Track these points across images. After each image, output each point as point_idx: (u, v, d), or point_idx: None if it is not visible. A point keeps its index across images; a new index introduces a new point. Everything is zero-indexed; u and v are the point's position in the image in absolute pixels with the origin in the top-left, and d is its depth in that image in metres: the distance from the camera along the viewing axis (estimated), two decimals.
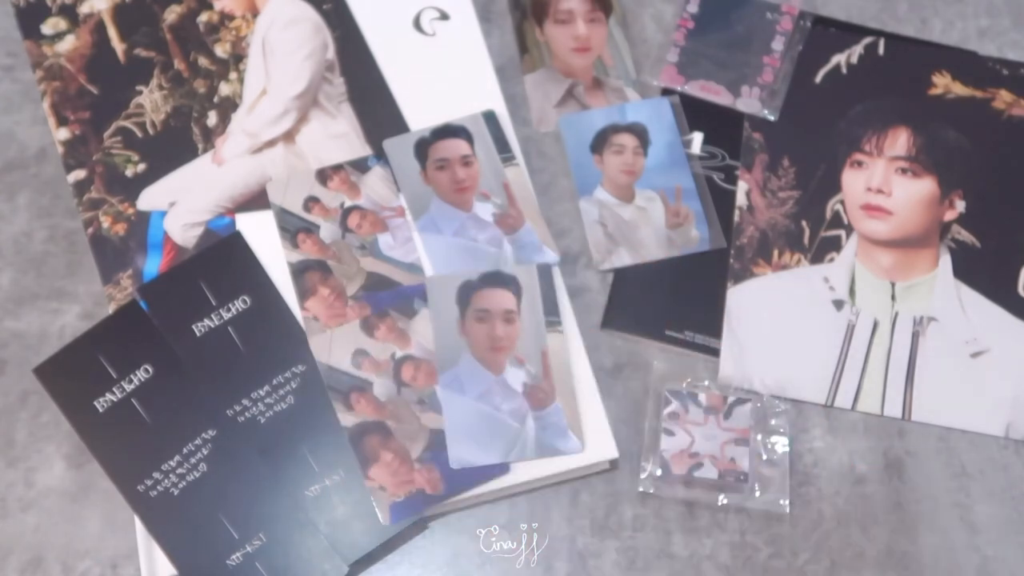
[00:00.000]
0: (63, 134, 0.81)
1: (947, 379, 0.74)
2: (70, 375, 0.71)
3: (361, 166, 0.79)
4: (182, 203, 0.78)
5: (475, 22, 0.86)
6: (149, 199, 0.79)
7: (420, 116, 0.81)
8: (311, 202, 0.77)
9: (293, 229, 0.76)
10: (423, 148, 0.79)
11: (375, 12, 0.86)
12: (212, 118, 0.82)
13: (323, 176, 0.78)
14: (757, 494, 0.70)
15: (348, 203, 0.78)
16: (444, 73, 0.84)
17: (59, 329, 0.75)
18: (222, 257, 0.75)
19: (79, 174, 0.80)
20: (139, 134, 0.81)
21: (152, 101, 0.82)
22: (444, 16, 0.86)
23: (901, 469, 0.72)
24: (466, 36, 0.86)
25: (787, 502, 0.70)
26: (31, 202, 0.80)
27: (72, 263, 0.77)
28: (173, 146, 0.81)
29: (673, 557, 0.69)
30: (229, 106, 0.82)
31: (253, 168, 0.80)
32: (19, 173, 0.81)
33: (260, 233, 0.76)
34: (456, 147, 0.79)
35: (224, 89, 0.83)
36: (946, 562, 0.69)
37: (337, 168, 0.79)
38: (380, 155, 0.79)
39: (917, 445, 0.73)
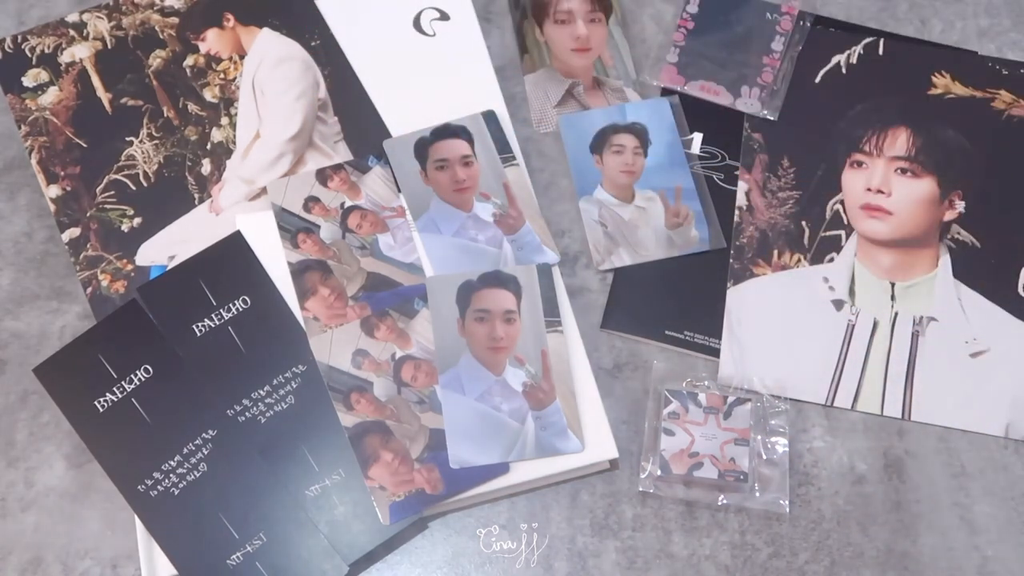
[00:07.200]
0: (54, 191, 0.78)
1: (947, 379, 0.75)
2: (70, 375, 0.71)
3: (361, 166, 0.79)
4: (182, 256, 0.76)
5: (475, 22, 0.86)
6: (148, 254, 0.77)
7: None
8: (311, 202, 0.77)
9: (293, 229, 0.76)
10: (423, 148, 0.79)
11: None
12: (206, 166, 0.79)
13: (323, 176, 0.78)
14: (757, 494, 0.70)
15: (348, 203, 0.77)
16: (444, 73, 0.84)
17: (59, 329, 0.76)
18: (222, 257, 0.75)
19: (74, 232, 0.77)
20: (132, 187, 0.79)
21: (143, 152, 0.79)
22: (444, 16, 0.86)
23: (901, 469, 0.72)
24: (466, 36, 0.86)
25: (787, 502, 0.70)
26: (31, 202, 0.80)
27: (72, 263, 0.77)
28: (168, 197, 0.78)
29: (673, 557, 0.69)
30: (223, 152, 0.80)
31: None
32: (19, 173, 0.81)
33: (260, 233, 0.76)
34: (456, 147, 0.79)
35: (216, 135, 0.80)
36: (946, 562, 0.69)
37: (337, 168, 0.79)
38: (380, 155, 0.79)
39: (917, 445, 0.73)
